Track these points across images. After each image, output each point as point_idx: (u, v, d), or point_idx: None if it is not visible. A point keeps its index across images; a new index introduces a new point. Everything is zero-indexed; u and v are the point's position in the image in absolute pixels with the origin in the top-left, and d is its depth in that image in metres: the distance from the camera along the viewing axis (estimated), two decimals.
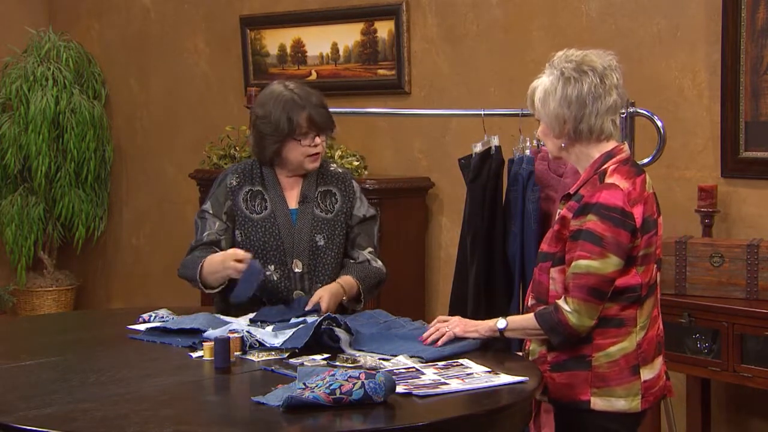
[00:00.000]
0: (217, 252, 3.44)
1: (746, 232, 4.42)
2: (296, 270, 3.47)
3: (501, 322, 2.90)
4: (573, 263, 2.77)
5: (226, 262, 3.33)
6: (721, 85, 4.47)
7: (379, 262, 3.56)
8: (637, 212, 2.78)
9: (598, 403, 2.81)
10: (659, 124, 3.79)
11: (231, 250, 3.37)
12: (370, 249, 3.56)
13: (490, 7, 5.27)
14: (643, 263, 2.82)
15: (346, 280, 3.45)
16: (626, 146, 2.93)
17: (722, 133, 4.48)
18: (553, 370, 2.86)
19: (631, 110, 3.79)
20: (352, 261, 3.54)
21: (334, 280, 3.45)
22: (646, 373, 2.85)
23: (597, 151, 2.87)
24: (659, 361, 2.92)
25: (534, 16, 5.11)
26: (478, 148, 3.91)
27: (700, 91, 4.59)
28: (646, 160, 3.80)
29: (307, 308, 3.30)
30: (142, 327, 3.29)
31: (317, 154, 3.51)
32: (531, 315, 2.85)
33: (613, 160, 2.85)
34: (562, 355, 2.84)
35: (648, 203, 2.84)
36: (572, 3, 4.97)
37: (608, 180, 2.80)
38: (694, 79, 4.61)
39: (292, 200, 3.55)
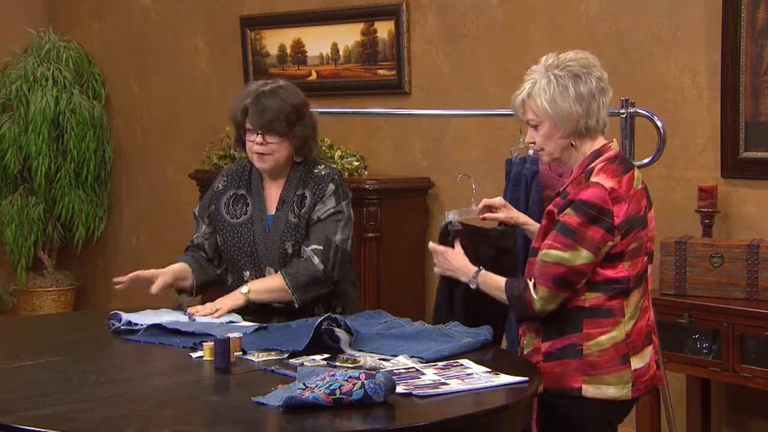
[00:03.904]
0: (203, 255, 3.58)
1: (746, 233, 4.42)
2: None
3: (473, 282, 3.00)
4: (543, 251, 2.84)
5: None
6: (721, 85, 4.47)
7: (317, 260, 3.35)
8: (619, 210, 2.83)
9: (589, 390, 2.87)
10: (659, 124, 3.78)
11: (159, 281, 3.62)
12: (314, 246, 3.37)
13: (490, 7, 5.27)
14: (630, 258, 2.87)
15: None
16: (615, 143, 2.97)
17: (722, 133, 4.48)
18: (545, 360, 2.92)
19: (631, 110, 3.79)
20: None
21: None
22: (636, 362, 2.90)
23: (589, 149, 2.93)
24: (649, 351, 2.97)
25: (534, 16, 5.11)
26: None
27: (700, 91, 4.59)
28: (646, 160, 3.79)
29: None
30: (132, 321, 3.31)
31: (262, 153, 3.39)
32: (503, 280, 2.94)
33: (601, 158, 2.90)
34: (556, 344, 2.90)
35: (634, 200, 2.88)
36: (572, 3, 4.97)
37: (593, 179, 2.85)
38: (694, 79, 4.61)
39: (274, 205, 3.47)
